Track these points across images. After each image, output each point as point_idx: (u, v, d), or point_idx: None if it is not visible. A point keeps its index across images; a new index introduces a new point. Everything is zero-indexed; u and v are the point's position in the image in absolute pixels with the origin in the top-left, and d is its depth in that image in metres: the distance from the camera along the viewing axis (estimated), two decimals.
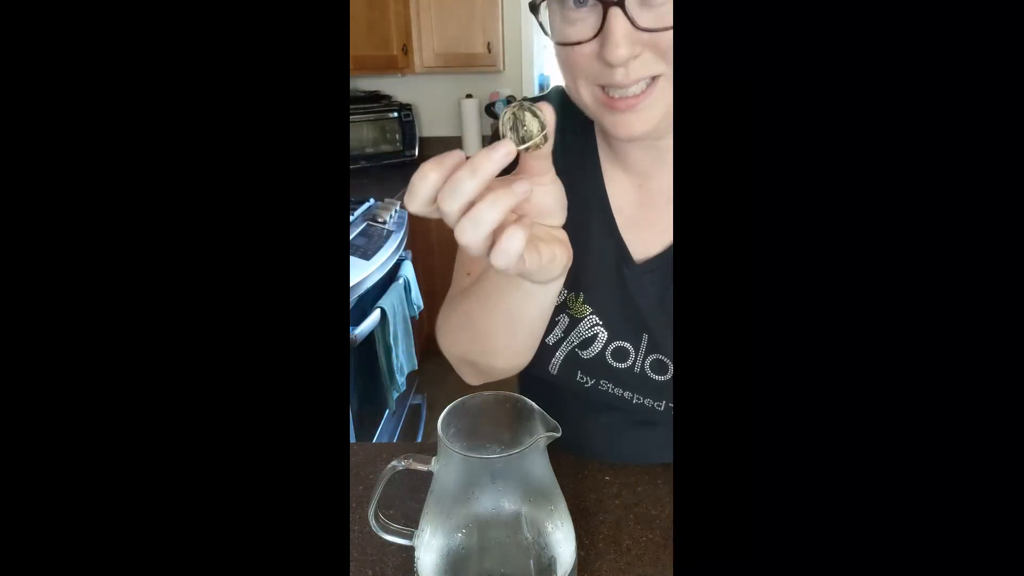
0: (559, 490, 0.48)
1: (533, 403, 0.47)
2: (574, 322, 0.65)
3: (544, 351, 0.66)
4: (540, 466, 0.46)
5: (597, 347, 0.65)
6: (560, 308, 0.65)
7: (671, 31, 0.47)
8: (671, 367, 0.63)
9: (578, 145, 0.65)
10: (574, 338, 0.65)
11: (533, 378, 0.70)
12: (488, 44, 2.55)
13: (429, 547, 0.47)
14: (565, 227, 0.53)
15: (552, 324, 0.65)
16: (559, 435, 0.45)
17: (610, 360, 0.65)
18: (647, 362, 0.64)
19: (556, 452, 0.49)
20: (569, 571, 0.47)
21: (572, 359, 0.66)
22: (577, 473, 0.66)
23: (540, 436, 0.45)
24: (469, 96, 2.79)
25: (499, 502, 0.46)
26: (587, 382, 0.66)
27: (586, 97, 0.53)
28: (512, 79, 2.81)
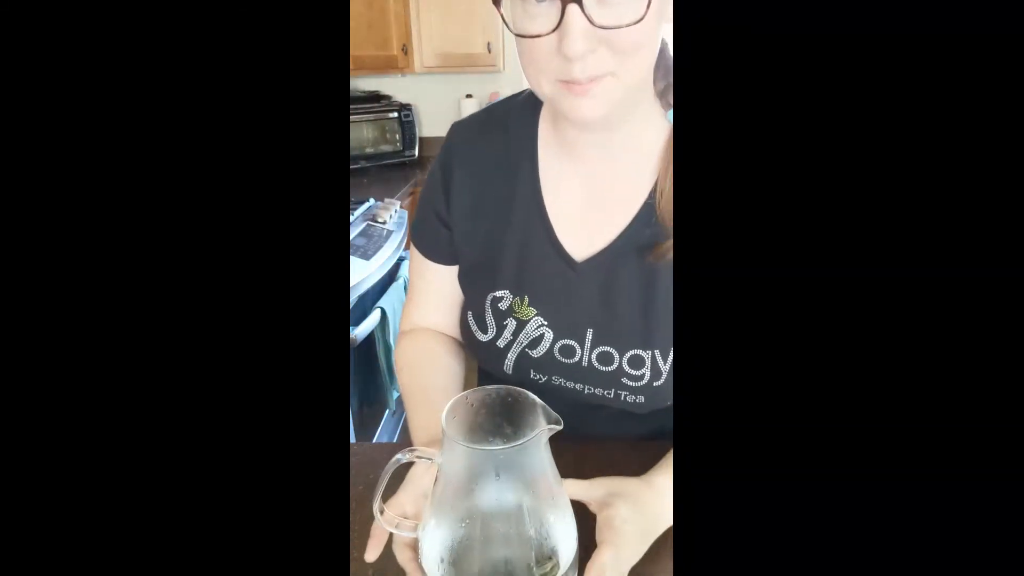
0: (560, 482, 0.48)
1: (535, 397, 0.48)
2: (521, 324, 0.68)
3: (497, 353, 0.69)
4: (542, 458, 0.47)
5: (545, 346, 0.67)
6: (507, 312, 0.68)
7: (626, 29, 0.49)
8: (616, 356, 0.65)
9: (517, 155, 0.68)
10: (523, 339, 0.68)
11: (492, 377, 0.73)
12: (488, 44, 2.55)
13: (433, 538, 0.47)
14: (506, 229, 0.67)
15: (501, 328, 0.68)
16: (560, 427, 0.46)
17: (558, 357, 0.67)
18: (593, 355, 0.66)
19: (558, 449, 0.49)
20: (571, 562, 0.47)
21: (523, 359, 0.68)
22: (577, 473, 0.66)
23: (542, 429, 0.45)
24: (469, 96, 2.79)
25: (502, 494, 0.46)
26: (540, 379, 0.69)
27: (545, 87, 0.55)
28: (512, 79, 2.81)
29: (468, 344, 0.73)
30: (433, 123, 2.94)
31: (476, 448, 0.46)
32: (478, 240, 0.69)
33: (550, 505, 0.47)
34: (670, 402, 0.66)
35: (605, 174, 0.65)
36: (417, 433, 0.64)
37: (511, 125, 0.69)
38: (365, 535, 0.57)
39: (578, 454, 0.68)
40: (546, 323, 0.67)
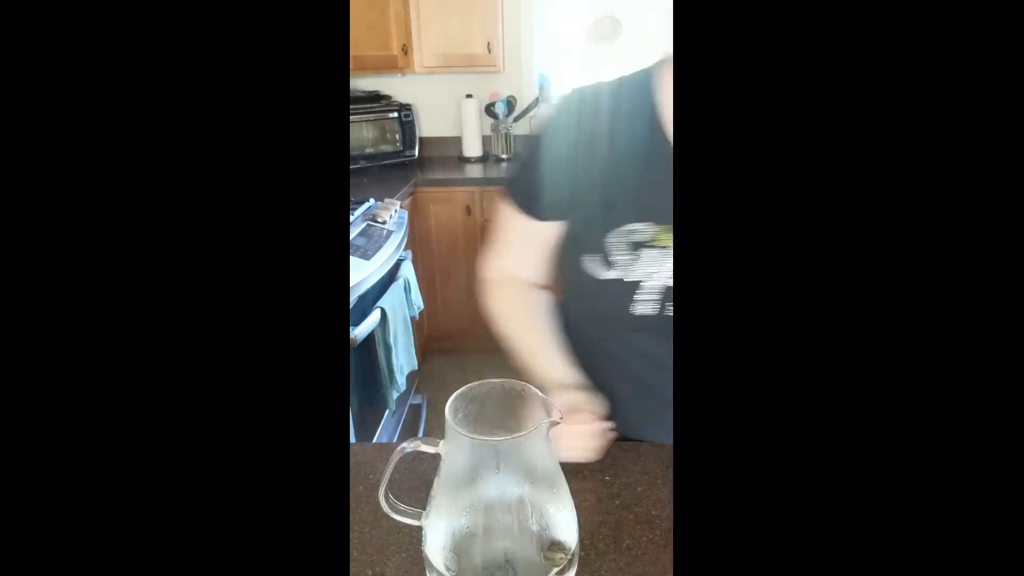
0: (561, 474, 0.49)
1: (537, 390, 0.49)
2: (664, 252, 0.69)
3: (623, 290, 0.70)
4: (543, 450, 0.48)
5: None
6: (642, 244, 0.69)
7: None
8: None
9: (635, 105, 0.71)
10: (665, 268, 0.69)
11: (609, 319, 0.74)
12: (488, 44, 2.55)
13: (436, 527, 0.48)
14: (631, 163, 0.70)
15: (633, 262, 0.70)
16: (560, 422, 0.46)
17: None
18: None
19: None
20: (572, 552, 0.48)
21: (664, 292, 0.69)
22: (577, 473, 0.66)
23: (544, 421, 0.46)
24: (469, 96, 2.79)
25: (503, 484, 0.47)
26: None
27: None
28: (512, 79, 2.80)
29: (575, 289, 0.74)
30: (433, 123, 2.94)
31: (478, 439, 0.46)
32: (598, 182, 0.71)
33: (551, 497, 0.48)
34: None
35: None
36: (540, 373, 0.72)
37: (625, 80, 0.73)
38: (365, 536, 0.57)
39: (577, 463, 0.68)
40: None
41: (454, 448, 0.47)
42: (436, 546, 0.48)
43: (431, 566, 0.48)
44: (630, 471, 0.66)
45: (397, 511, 0.52)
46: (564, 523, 0.48)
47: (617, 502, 0.62)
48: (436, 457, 0.48)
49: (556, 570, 0.47)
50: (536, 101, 2.78)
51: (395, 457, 0.50)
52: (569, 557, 0.48)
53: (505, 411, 0.50)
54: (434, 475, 0.49)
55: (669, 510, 0.60)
